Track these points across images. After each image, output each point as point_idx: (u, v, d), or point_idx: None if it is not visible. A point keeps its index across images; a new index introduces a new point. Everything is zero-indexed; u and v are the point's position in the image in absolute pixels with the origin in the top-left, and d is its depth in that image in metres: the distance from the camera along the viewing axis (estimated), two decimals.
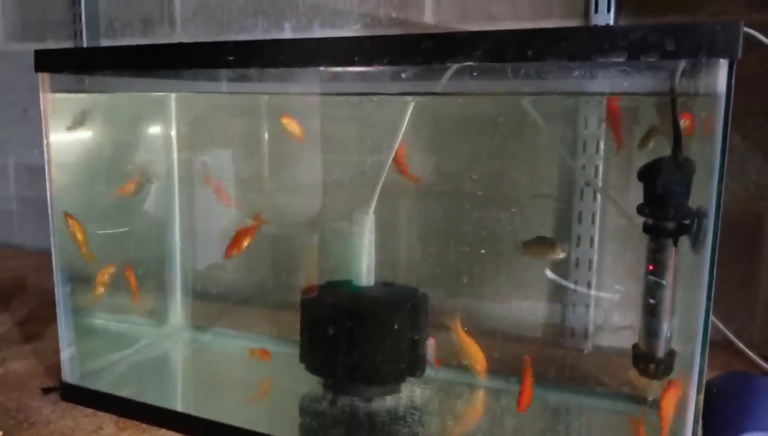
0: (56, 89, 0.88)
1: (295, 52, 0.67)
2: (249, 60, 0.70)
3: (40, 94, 0.87)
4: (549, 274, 1.07)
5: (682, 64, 0.55)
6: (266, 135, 1.16)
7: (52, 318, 0.93)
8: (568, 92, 0.74)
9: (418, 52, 0.60)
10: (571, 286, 1.09)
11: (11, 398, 0.92)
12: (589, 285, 1.08)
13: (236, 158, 1.19)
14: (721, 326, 0.91)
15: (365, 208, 0.90)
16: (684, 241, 0.64)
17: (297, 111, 1.15)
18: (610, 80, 0.64)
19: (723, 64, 0.52)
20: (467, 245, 0.97)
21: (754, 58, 1.06)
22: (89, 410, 0.89)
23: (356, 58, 0.63)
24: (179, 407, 0.87)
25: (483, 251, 0.84)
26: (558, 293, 1.09)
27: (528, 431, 0.86)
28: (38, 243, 1.76)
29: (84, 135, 0.99)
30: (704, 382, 0.59)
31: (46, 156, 0.89)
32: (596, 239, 1.06)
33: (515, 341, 1.05)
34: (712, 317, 0.58)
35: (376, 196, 0.91)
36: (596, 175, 1.04)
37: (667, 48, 0.51)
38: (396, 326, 0.84)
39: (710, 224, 0.55)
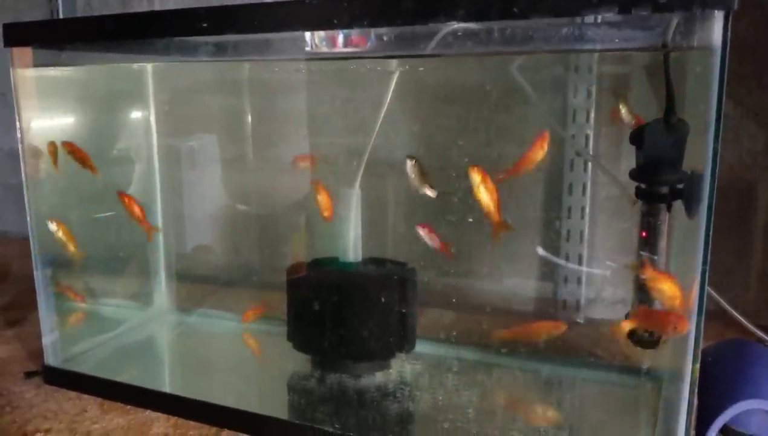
0: (30, 64, 0.85)
1: (271, 16, 0.64)
2: (224, 26, 0.66)
3: (11, 70, 0.84)
4: (540, 251, 1.05)
5: (676, 17, 0.52)
6: (248, 110, 1.13)
7: (35, 304, 0.91)
8: (557, 50, 0.71)
9: (398, 12, 0.58)
10: (563, 263, 1.07)
11: None
12: (580, 258, 1.07)
13: (219, 136, 1.16)
14: (716, 295, 0.90)
15: (351, 184, 0.88)
16: (678, 206, 0.62)
17: (279, 86, 1.12)
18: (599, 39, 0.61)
19: (718, 16, 0.50)
20: (455, 219, 0.95)
21: (743, 21, 1.04)
22: (73, 394, 0.87)
23: (335, 21, 0.60)
24: (164, 389, 0.85)
25: (470, 221, 0.82)
26: (549, 267, 1.07)
27: (519, 404, 0.84)
28: (21, 230, 1.72)
29: (60, 113, 0.96)
30: (700, 350, 0.58)
31: (19, 134, 0.86)
32: (587, 210, 1.04)
33: (507, 315, 1.03)
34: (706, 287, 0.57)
35: (362, 171, 0.88)
36: (586, 145, 1.02)
37: (660, 0, 0.49)
38: (383, 301, 0.82)
39: (705, 186, 0.53)
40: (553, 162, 1.05)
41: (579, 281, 1.08)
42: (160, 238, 1.13)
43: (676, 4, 0.49)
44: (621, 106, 0.65)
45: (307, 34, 0.73)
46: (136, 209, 0.97)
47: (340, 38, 0.71)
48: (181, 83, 1.12)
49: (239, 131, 1.15)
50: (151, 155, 1.10)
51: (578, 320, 1.05)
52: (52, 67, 0.91)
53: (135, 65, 1.05)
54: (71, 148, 0.92)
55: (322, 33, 0.71)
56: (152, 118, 1.10)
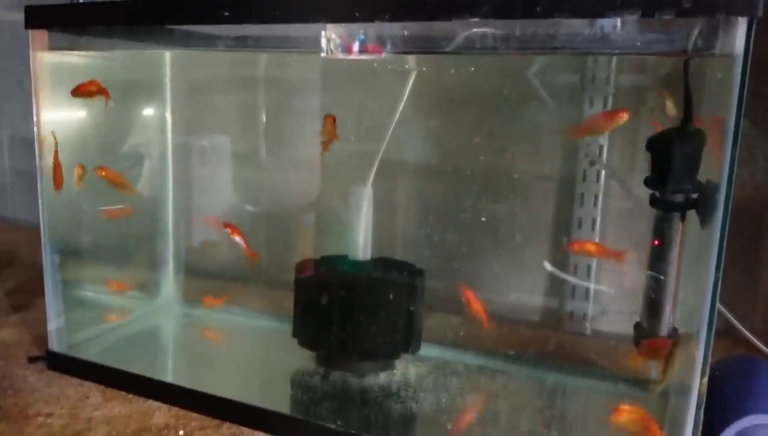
0: (49, 48, 0.85)
1: (294, 6, 0.65)
2: (246, 15, 0.67)
3: (30, 53, 0.84)
4: (547, 266, 1.05)
5: (699, 23, 0.52)
6: (264, 107, 1.13)
7: (41, 290, 0.91)
8: (578, 51, 0.71)
9: (422, 6, 0.58)
10: (569, 278, 1.07)
11: None
12: (588, 269, 1.06)
13: (233, 133, 1.16)
14: (726, 312, 0.89)
15: (363, 182, 0.88)
16: (692, 215, 0.62)
17: (294, 83, 1.13)
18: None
19: (742, 23, 0.49)
20: (465, 224, 0.95)
21: (763, 39, 1.04)
22: (76, 380, 0.87)
23: (357, 14, 0.60)
24: (167, 379, 0.85)
25: (484, 225, 0.82)
26: (557, 279, 1.07)
27: (522, 410, 0.84)
28: (31, 217, 1.72)
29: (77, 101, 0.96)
30: (708, 365, 0.57)
31: (34, 118, 0.86)
32: (598, 222, 1.04)
33: (514, 324, 1.03)
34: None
35: (374, 169, 0.89)
36: (600, 155, 1.02)
37: (684, 5, 0.49)
38: (390, 301, 0.82)
39: (722, 194, 0.52)
40: (566, 172, 1.05)
41: (587, 294, 1.07)
42: (170, 230, 1.13)
43: (700, 10, 0.49)
44: (667, 102, 0.64)
45: (323, 41, 0.73)
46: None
47: (356, 46, 0.72)
48: (198, 78, 1.12)
49: (253, 128, 1.15)
50: (165, 150, 1.10)
51: (585, 332, 1.05)
52: (70, 52, 0.91)
53: (153, 54, 1.06)
54: None
55: (338, 40, 0.72)
56: (167, 114, 1.10)
